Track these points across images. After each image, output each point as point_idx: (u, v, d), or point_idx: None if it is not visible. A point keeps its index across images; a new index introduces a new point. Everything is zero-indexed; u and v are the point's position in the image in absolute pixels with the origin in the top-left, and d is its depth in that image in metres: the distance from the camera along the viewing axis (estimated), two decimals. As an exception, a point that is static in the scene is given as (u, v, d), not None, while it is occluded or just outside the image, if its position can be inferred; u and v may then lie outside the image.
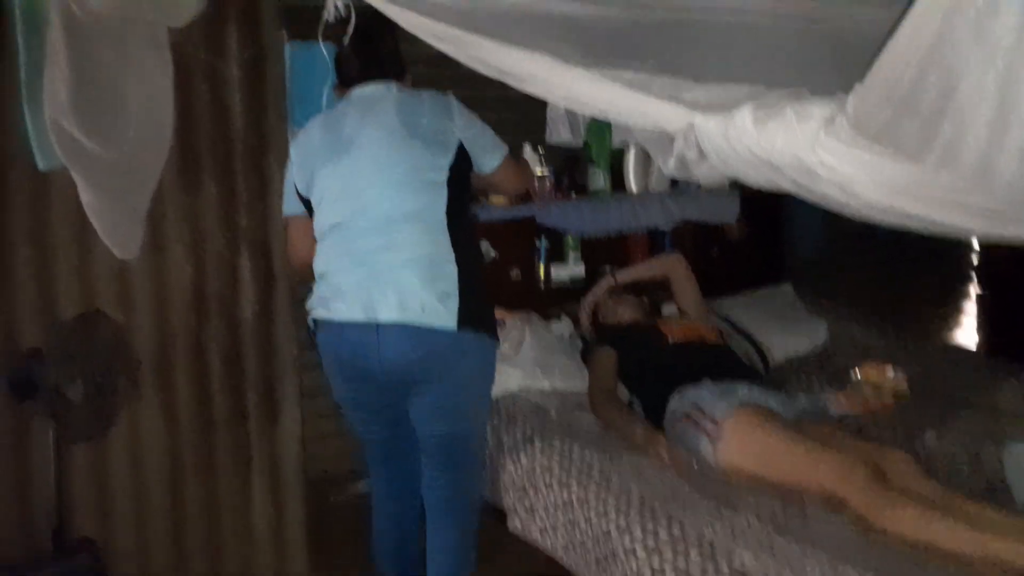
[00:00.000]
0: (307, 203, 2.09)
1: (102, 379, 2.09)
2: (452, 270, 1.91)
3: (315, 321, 2.03)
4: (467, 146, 2.01)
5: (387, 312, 1.88)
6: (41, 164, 2.05)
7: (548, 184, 3.00)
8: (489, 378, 2.08)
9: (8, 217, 2.15)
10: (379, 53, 2.09)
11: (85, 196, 1.96)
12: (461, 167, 2.00)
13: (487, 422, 2.21)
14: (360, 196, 1.96)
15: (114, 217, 2.06)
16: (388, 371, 1.93)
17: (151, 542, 2.40)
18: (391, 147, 1.96)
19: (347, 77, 2.12)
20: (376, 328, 1.89)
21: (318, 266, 2.05)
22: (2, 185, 2.13)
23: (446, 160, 1.97)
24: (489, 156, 2.08)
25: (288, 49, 2.46)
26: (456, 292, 1.89)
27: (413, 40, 1.41)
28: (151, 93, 2.04)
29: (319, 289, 2.03)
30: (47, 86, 1.81)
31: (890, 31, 0.83)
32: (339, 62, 2.14)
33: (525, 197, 2.86)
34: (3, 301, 2.17)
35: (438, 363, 1.91)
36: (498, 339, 2.06)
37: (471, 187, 2.10)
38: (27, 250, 2.18)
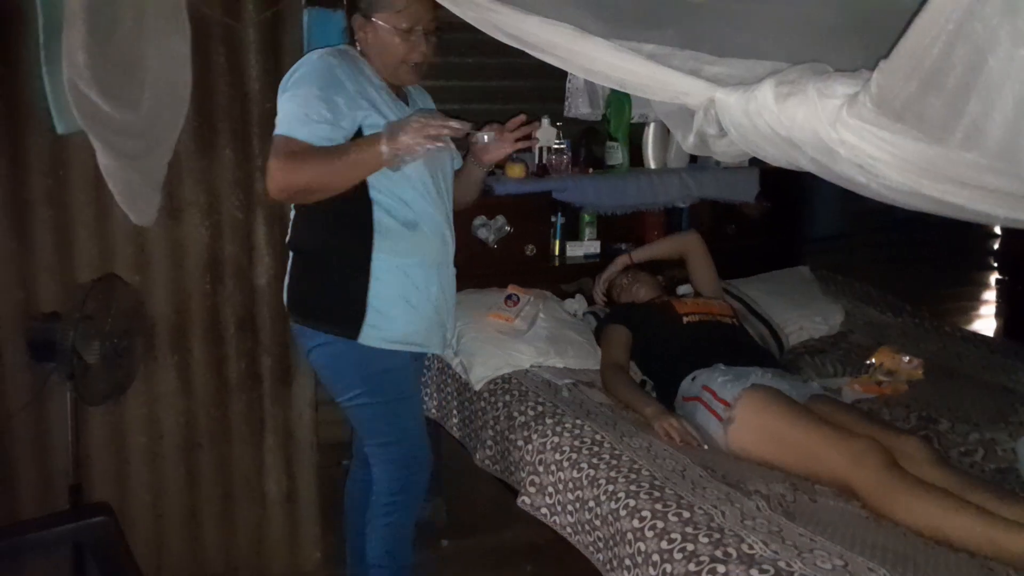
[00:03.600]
0: None
1: (119, 342, 2.12)
2: (293, 258, 1.93)
3: None
4: None
5: None
6: (59, 128, 2.05)
7: (565, 158, 2.97)
8: (336, 375, 1.94)
9: (27, 181, 2.16)
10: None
11: (103, 160, 1.97)
12: None
13: (374, 420, 1.98)
14: None
15: (131, 182, 2.07)
16: None
17: (165, 504, 2.44)
18: None
19: None
20: None
21: None
22: (21, 149, 2.14)
23: None
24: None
25: (305, 14, 2.44)
26: (287, 282, 1.93)
27: (434, 5, 1.40)
28: (168, 56, 2.03)
29: None
30: (65, 48, 1.81)
31: (919, 6, 0.81)
32: None
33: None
34: (23, 264, 2.19)
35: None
36: (344, 335, 1.84)
37: None
38: (46, 214, 2.19)
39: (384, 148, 1.63)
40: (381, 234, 1.83)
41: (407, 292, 1.87)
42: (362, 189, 1.80)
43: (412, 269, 1.87)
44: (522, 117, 1.88)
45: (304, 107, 1.69)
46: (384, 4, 1.77)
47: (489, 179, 2.57)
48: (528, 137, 1.90)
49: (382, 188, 1.81)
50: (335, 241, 1.86)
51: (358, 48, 1.84)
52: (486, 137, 1.77)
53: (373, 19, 1.78)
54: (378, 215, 1.82)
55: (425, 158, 1.72)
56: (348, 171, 1.71)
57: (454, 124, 1.62)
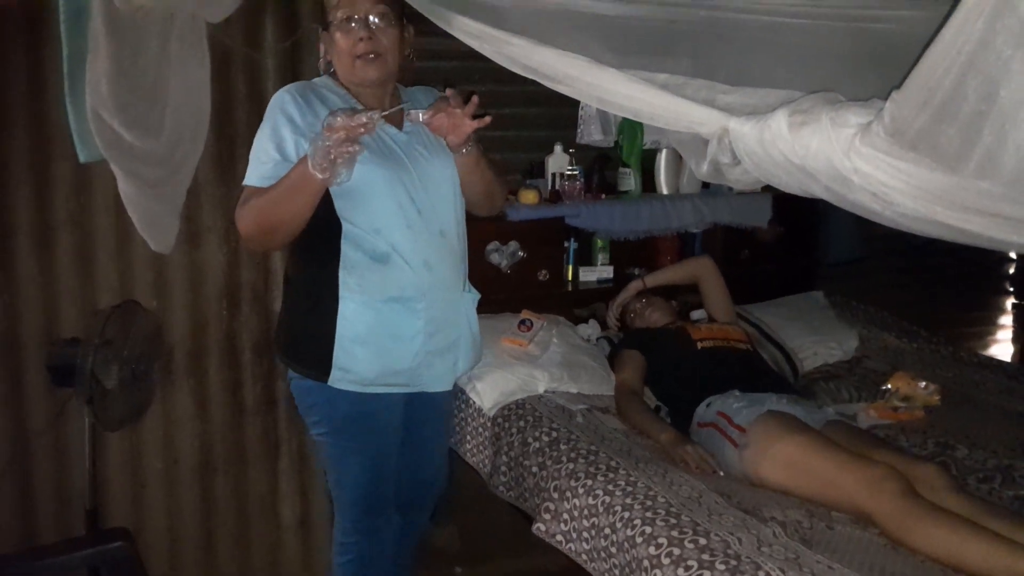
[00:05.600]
0: None
1: (137, 367, 2.14)
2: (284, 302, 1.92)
3: None
4: None
5: None
6: (82, 156, 2.08)
7: (578, 184, 2.99)
8: (306, 410, 1.89)
9: (50, 207, 2.20)
10: None
11: (123, 187, 2.00)
12: None
13: (329, 461, 1.96)
14: None
15: (151, 210, 2.10)
16: None
17: (180, 527, 2.45)
18: None
19: None
20: None
21: None
22: (45, 175, 2.18)
23: None
24: None
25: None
26: (278, 323, 1.93)
27: (444, 35, 1.42)
28: (189, 85, 2.07)
29: None
30: (89, 77, 1.85)
31: (931, 37, 0.82)
32: None
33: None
34: (45, 289, 2.22)
35: None
36: (312, 376, 1.78)
37: (330, 201, 1.71)
38: (68, 240, 2.23)
39: (311, 167, 1.52)
40: (347, 269, 1.73)
41: (379, 331, 1.75)
42: (332, 220, 1.71)
43: (384, 306, 1.75)
44: (450, 91, 1.71)
45: (255, 151, 1.70)
46: (328, 6, 1.73)
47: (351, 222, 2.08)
48: (483, 116, 1.68)
49: (352, 219, 1.72)
50: (304, 276, 1.80)
51: (332, 70, 1.80)
52: (421, 115, 1.69)
53: (329, 28, 1.73)
54: (345, 248, 1.73)
55: (354, 162, 1.56)
56: (287, 199, 1.60)
57: (361, 119, 1.48)
